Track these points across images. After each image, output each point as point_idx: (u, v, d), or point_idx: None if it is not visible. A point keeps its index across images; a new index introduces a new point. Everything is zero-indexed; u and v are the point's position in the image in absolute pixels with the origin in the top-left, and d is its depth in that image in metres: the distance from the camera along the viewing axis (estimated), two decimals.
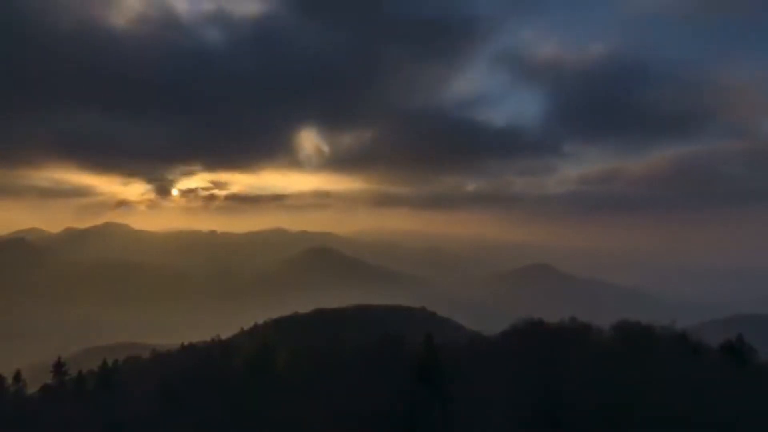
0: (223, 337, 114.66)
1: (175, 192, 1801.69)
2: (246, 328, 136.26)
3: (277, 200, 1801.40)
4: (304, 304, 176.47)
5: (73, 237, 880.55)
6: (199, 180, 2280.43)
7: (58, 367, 63.53)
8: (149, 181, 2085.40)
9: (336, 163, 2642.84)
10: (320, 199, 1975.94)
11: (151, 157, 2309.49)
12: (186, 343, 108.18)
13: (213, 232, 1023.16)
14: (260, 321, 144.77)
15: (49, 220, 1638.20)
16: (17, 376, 62.88)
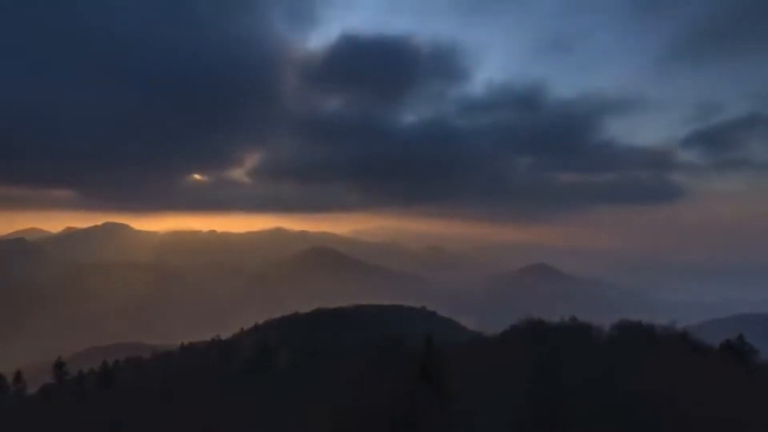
0: (223, 337, 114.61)
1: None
2: (246, 328, 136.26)
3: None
4: (304, 304, 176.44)
5: (73, 237, 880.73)
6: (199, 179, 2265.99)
7: (58, 367, 63.66)
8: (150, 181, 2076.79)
9: None
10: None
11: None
12: (186, 343, 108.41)
13: (213, 232, 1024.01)
14: (260, 321, 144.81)
15: (49, 220, 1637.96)
16: (17, 376, 63.02)
